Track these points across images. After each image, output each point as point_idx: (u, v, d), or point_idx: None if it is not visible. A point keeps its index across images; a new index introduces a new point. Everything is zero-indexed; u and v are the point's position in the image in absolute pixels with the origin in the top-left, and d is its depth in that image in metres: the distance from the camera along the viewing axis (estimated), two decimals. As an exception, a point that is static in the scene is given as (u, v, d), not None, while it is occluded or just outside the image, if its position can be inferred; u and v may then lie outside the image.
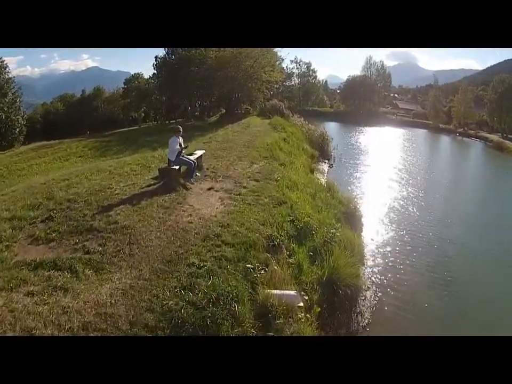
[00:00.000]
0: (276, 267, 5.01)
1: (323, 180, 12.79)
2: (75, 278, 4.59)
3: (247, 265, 4.76)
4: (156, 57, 36.45)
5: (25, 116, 37.15)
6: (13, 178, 17.58)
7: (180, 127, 8.43)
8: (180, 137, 8.16)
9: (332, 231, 6.77)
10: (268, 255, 5.23)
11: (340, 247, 6.28)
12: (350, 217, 8.75)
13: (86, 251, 5.30)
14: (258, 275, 4.67)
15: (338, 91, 62.51)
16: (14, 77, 35.48)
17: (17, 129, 34.20)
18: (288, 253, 5.66)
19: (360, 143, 28.85)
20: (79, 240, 5.60)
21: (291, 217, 6.39)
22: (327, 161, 17.38)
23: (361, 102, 51.91)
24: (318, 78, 57.14)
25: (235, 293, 4.17)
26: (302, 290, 5.11)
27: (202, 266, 4.73)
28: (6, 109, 32.83)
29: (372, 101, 52.23)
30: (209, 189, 7.64)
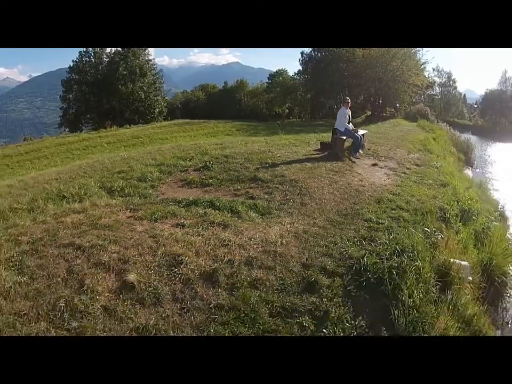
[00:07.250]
0: (451, 235, 4.98)
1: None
2: (237, 218, 4.45)
3: (425, 228, 4.69)
4: (302, 53, 34.57)
5: (166, 97, 36.34)
6: (154, 144, 15.94)
7: (348, 98, 9.04)
8: (349, 109, 8.42)
9: (491, 218, 6.47)
10: (442, 224, 5.16)
11: (496, 236, 5.74)
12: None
13: (250, 196, 5.19)
14: (436, 239, 4.61)
15: (475, 106, 59.50)
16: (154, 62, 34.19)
17: (157, 110, 33.26)
18: (455, 230, 5.46)
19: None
20: (241, 187, 5.52)
21: (456, 198, 6.37)
22: (470, 168, 16.41)
23: (498, 118, 47.90)
24: (458, 89, 53.09)
25: (418, 249, 4.05)
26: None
27: (380, 223, 4.59)
28: (145, 88, 32.28)
29: (507, 118, 47.24)
30: (373, 165, 7.68)
